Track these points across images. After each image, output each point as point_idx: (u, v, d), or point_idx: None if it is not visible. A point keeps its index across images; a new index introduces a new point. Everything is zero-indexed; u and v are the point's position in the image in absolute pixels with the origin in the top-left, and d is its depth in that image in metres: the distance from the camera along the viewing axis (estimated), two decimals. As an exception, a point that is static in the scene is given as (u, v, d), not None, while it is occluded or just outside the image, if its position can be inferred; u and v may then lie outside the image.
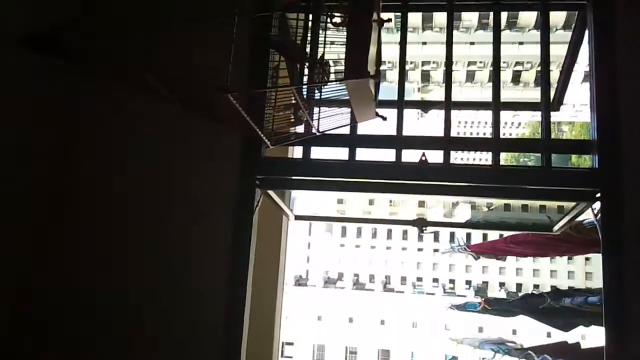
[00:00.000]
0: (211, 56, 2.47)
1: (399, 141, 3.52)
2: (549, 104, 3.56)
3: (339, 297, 38.61)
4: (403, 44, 3.70)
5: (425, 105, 4.21)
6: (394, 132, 3.59)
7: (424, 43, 28.79)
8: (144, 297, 3.38)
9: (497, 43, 3.58)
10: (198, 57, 2.68)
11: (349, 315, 38.07)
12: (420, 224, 4.38)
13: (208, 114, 2.95)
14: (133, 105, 3.40)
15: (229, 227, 3.42)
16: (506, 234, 5.80)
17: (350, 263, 43.12)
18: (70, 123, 3.51)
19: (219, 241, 3.40)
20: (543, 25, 3.58)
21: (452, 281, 44.09)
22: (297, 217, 4.54)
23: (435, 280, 43.76)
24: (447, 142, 3.49)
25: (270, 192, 3.77)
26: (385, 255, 43.64)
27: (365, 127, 3.46)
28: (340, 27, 2.75)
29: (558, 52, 4.24)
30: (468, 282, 43.95)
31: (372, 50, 2.51)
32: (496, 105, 3.54)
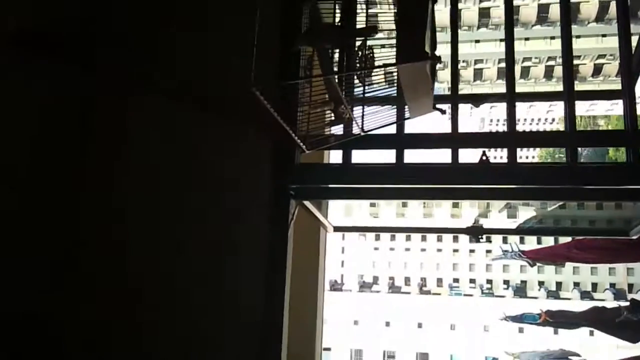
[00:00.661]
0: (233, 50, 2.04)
1: (455, 139, 3.00)
2: (633, 92, 3.01)
3: (374, 301, 37.96)
4: (454, 29, 3.19)
5: (478, 99, 3.66)
6: (446, 130, 3.08)
7: (477, 41, 28.04)
8: (177, 298, 2.98)
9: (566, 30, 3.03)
10: (217, 51, 2.24)
11: (386, 319, 37.39)
12: (476, 231, 3.84)
13: (231, 114, 2.50)
14: (149, 108, 2.96)
15: (264, 238, 3.03)
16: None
17: (385, 266, 42.43)
18: (83, 125, 3.12)
19: (253, 255, 3.03)
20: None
21: (489, 281, 43.02)
22: (336, 229, 4.05)
23: (472, 281, 42.73)
24: (514, 139, 2.94)
25: (307, 203, 3.31)
26: (420, 258, 42.81)
27: (413, 126, 2.97)
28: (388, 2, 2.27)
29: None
30: (506, 282, 42.81)
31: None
32: (570, 95, 2.99)
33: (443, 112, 2.33)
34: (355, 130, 2.40)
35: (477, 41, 28.38)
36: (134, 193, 3.08)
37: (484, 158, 2.96)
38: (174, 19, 2.43)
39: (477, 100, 3.73)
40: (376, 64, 2.29)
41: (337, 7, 2.47)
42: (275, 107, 1.97)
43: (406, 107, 2.32)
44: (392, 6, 2.27)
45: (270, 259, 3.00)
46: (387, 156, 3.16)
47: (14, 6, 2.62)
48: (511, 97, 3.07)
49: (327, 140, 2.49)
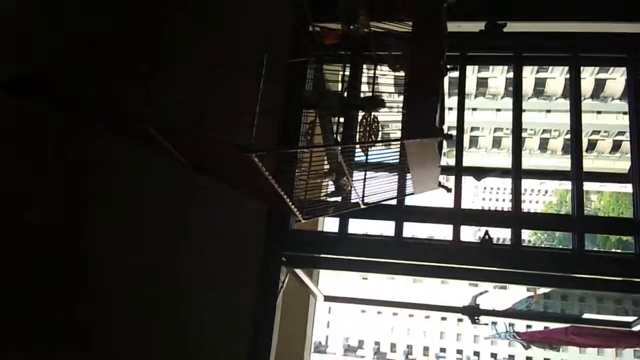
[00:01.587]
0: (231, 107, 1.94)
1: (457, 216, 2.87)
2: None
3: (358, 367, 36.89)
4: (461, 99, 3.12)
5: (481, 173, 3.55)
6: (446, 199, 2.96)
7: (474, 109, 28.51)
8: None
9: (575, 108, 2.98)
10: (214, 108, 2.13)
11: (370, 386, 36.26)
12: (473, 312, 3.66)
13: (226, 176, 2.37)
14: (139, 160, 2.83)
15: (252, 302, 2.87)
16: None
17: (372, 330, 41.51)
18: (69, 174, 3.00)
19: (238, 321, 2.85)
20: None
21: (476, 353, 42.06)
22: (327, 298, 3.86)
23: (460, 351, 41.76)
24: (519, 220, 2.82)
25: (298, 271, 3.15)
26: (407, 323, 41.99)
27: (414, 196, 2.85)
28: (395, 71, 2.18)
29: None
30: (494, 355, 41.86)
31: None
32: (578, 175, 2.90)
33: (449, 190, 2.21)
34: (355, 200, 2.27)
35: (474, 109, 28.86)
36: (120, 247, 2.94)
37: (487, 237, 2.84)
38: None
39: (480, 174, 3.62)
40: (380, 133, 2.20)
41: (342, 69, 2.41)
42: (273, 173, 1.85)
43: (410, 181, 2.20)
44: (399, 73, 2.19)
45: (257, 323, 2.84)
46: (385, 225, 3.04)
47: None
48: (517, 175, 2.99)
49: (325, 210, 2.36)
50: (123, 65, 2.05)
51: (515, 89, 3.11)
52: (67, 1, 3.01)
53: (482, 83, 28.85)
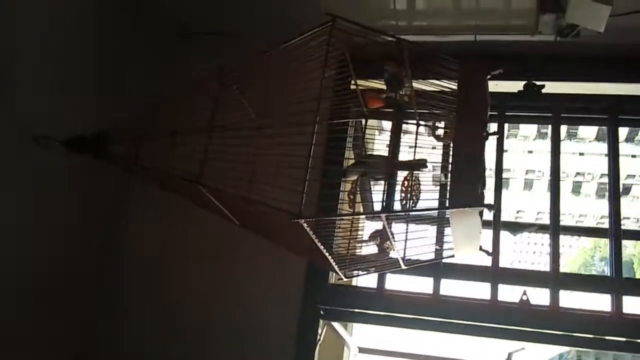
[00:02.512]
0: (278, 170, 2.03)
1: (495, 274, 2.91)
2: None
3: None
4: (499, 160, 3.18)
5: (516, 227, 3.57)
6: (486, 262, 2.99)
7: (505, 151, 28.40)
8: None
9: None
10: (262, 171, 2.23)
11: None
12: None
13: (269, 234, 2.45)
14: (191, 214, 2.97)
15: (290, 354, 2.95)
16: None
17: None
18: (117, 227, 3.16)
19: None
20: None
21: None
22: (362, 350, 3.88)
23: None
24: (555, 280, 2.84)
25: (335, 324, 3.20)
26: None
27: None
28: (437, 140, 2.26)
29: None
30: (525, 404, 40.39)
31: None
32: (616, 234, 2.92)
33: (489, 254, 2.25)
34: (396, 262, 2.32)
35: (505, 151, 28.71)
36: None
37: (525, 298, 2.86)
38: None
39: (516, 229, 3.63)
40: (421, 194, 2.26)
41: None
42: (319, 237, 1.92)
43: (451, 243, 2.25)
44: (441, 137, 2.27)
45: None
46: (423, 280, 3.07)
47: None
48: (555, 233, 3.01)
49: (366, 269, 2.42)
50: (176, 132, 2.17)
51: (553, 150, 3.15)
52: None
53: (513, 125, 28.81)
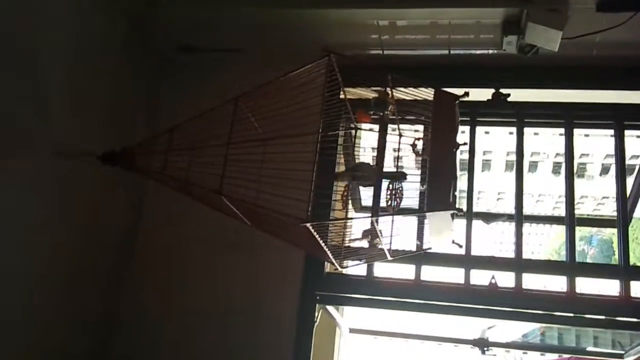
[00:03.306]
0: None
1: (468, 261, 3.37)
2: (627, 222, 3.41)
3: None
4: (471, 155, 3.64)
5: (490, 218, 4.05)
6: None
7: (487, 132, 28.68)
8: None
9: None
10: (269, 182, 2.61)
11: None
12: (482, 344, 4.12)
13: (276, 233, 2.86)
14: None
15: (287, 339, 3.36)
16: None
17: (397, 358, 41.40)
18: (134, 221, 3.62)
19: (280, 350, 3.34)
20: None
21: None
22: (352, 331, 4.34)
23: (471, 374, 41.62)
24: (519, 265, 3.32)
25: (329, 308, 3.64)
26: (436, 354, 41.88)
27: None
28: (416, 155, 2.70)
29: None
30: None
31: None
32: (571, 222, 3.40)
33: (460, 246, 2.70)
34: (383, 254, 2.76)
35: (487, 133, 29.21)
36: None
37: (493, 281, 3.32)
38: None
39: (489, 218, 4.11)
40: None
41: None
42: (324, 238, 2.34)
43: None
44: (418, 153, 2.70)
45: (296, 353, 3.32)
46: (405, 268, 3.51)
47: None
48: (519, 223, 3.48)
49: (358, 260, 2.86)
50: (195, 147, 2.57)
51: (517, 151, 3.61)
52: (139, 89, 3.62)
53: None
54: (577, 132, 3.79)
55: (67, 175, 2.95)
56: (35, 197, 2.79)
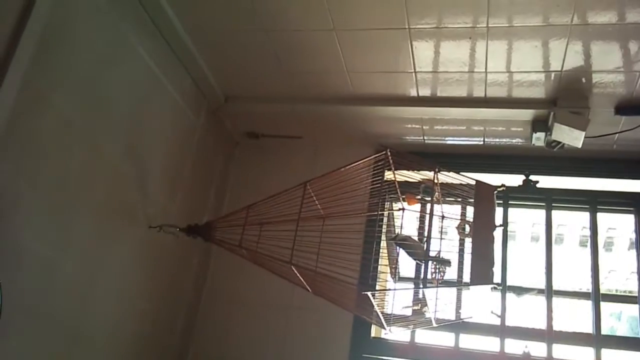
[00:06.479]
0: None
1: (502, 331, 3.73)
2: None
3: None
4: (505, 234, 4.05)
5: (521, 291, 4.40)
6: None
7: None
8: None
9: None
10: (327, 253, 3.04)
11: None
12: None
13: (332, 298, 3.27)
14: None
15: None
16: None
17: None
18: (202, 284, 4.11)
19: None
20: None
21: None
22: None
23: None
24: (549, 336, 3.68)
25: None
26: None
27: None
28: (462, 237, 3.14)
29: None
30: None
31: (492, 256, 2.86)
32: (596, 297, 3.75)
33: (499, 316, 3.10)
34: (429, 321, 3.16)
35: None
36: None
37: (526, 350, 3.67)
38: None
39: (520, 292, 4.47)
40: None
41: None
42: (380, 306, 2.77)
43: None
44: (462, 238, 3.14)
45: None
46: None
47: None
48: (549, 296, 3.84)
49: (406, 326, 3.26)
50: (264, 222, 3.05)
51: (547, 233, 4.03)
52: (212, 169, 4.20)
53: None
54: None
55: (154, 242, 3.44)
56: (134, 263, 3.33)
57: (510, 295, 4.28)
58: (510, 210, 4.24)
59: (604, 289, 3.93)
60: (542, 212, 4.19)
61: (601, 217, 4.15)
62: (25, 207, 2.41)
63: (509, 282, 4.03)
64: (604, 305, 3.84)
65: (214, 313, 4.08)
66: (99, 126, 2.91)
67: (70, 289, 2.78)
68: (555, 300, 3.90)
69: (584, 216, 4.12)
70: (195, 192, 3.97)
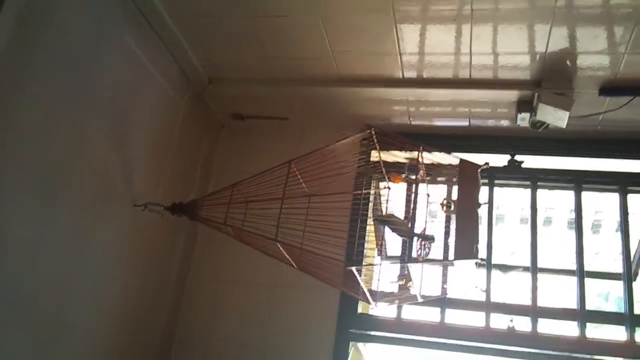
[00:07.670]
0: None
1: (488, 306, 3.80)
2: (630, 274, 3.81)
3: None
4: (490, 212, 4.10)
5: (507, 269, 4.46)
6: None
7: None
8: None
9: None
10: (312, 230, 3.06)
11: None
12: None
13: (318, 274, 3.30)
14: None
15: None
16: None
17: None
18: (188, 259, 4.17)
19: None
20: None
21: None
22: None
23: None
24: (534, 312, 3.74)
25: (359, 344, 4.07)
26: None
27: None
28: (446, 213, 3.18)
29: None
30: None
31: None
32: (580, 274, 3.82)
33: (483, 290, 3.16)
34: (414, 297, 3.20)
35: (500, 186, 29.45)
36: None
37: (511, 325, 3.74)
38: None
39: (505, 269, 4.53)
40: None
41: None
42: (366, 283, 2.81)
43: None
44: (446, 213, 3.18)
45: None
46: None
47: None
48: (534, 273, 3.91)
49: (392, 301, 3.31)
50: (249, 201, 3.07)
51: (532, 211, 4.09)
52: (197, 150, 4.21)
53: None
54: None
55: (140, 221, 3.47)
56: (120, 243, 3.36)
57: (496, 272, 4.35)
58: (500, 192, 4.29)
59: (591, 270, 4.00)
60: (528, 192, 4.24)
61: (589, 199, 4.20)
62: (8, 192, 2.42)
63: (497, 261, 4.10)
64: (590, 282, 3.92)
65: (200, 292, 4.12)
66: (83, 110, 2.92)
67: (55, 271, 2.80)
68: (542, 278, 3.97)
69: (571, 197, 4.17)
70: (180, 174, 3.99)
